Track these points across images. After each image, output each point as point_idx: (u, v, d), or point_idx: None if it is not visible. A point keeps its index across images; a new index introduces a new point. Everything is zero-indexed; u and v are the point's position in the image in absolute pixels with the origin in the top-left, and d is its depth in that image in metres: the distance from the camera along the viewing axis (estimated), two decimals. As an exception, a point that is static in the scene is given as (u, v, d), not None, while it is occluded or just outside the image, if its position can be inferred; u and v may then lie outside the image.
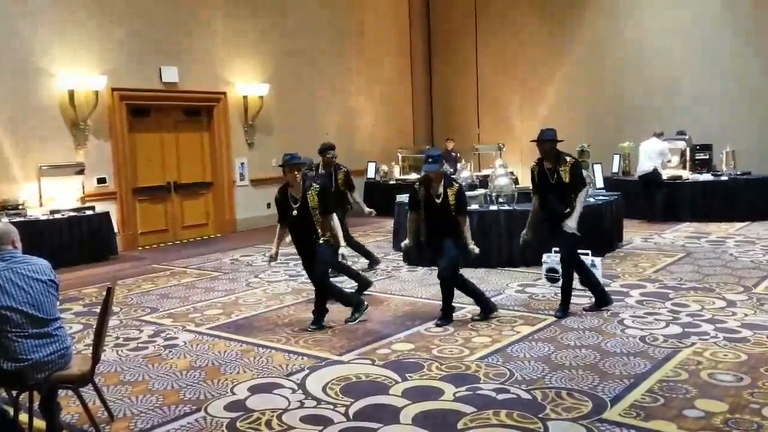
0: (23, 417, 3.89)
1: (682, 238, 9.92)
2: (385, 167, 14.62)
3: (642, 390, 4.28)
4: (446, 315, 5.97)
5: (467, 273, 7.97)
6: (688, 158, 12.13)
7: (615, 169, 12.84)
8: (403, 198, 9.97)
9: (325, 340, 5.60)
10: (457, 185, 5.94)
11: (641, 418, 3.88)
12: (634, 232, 10.41)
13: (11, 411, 3.74)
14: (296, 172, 5.83)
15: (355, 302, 6.20)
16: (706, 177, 11.78)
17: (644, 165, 11.50)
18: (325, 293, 6.02)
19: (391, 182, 14.18)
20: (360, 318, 6.08)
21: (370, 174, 14.76)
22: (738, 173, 11.71)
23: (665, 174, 11.58)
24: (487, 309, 6.05)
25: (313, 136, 13.33)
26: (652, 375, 4.53)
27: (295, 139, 13.20)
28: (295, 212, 5.88)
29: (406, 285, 7.55)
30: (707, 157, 12.30)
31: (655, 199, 11.49)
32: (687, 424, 3.78)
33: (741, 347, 5.01)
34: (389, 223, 10.42)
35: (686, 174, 11.86)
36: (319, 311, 6.02)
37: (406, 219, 9.10)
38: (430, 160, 5.83)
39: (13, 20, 9.51)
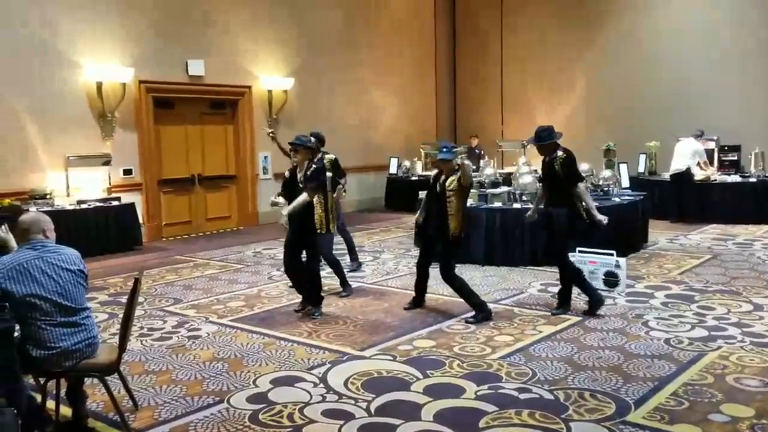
0: (50, 404, 3.95)
1: (708, 240, 9.79)
2: (407, 163, 14.61)
3: (666, 393, 4.24)
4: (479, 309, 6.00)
5: (492, 271, 7.99)
6: (716, 159, 11.95)
7: (641, 168, 12.69)
8: (425, 194, 9.96)
9: (347, 335, 5.62)
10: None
11: (665, 422, 3.84)
12: (660, 233, 10.29)
13: (39, 398, 3.80)
14: (293, 152, 6.21)
15: (318, 299, 6.31)
16: (735, 178, 11.61)
17: (678, 163, 11.34)
18: (315, 279, 6.28)
19: (413, 178, 14.16)
20: (319, 316, 6.17)
21: (392, 170, 14.75)
22: (767, 175, 11.51)
23: (699, 175, 11.41)
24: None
25: (335, 130, 13.38)
26: (677, 378, 4.48)
27: (319, 131, 13.24)
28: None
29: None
30: (736, 158, 12.13)
31: (684, 199, 11.33)
32: (712, 429, 3.74)
33: (768, 352, 4.94)
34: (411, 219, 10.39)
35: (714, 174, 11.68)
36: (313, 296, 6.27)
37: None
38: (444, 149, 6.04)
39: (42, 11, 9.62)
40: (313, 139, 7.61)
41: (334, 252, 7.14)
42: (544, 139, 6.00)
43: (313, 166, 6.16)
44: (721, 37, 13.18)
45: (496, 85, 16.17)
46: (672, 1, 13.84)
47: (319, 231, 6.25)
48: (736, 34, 13.04)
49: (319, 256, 6.56)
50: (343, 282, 7.08)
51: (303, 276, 6.31)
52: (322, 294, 6.39)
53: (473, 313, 5.94)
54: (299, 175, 6.18)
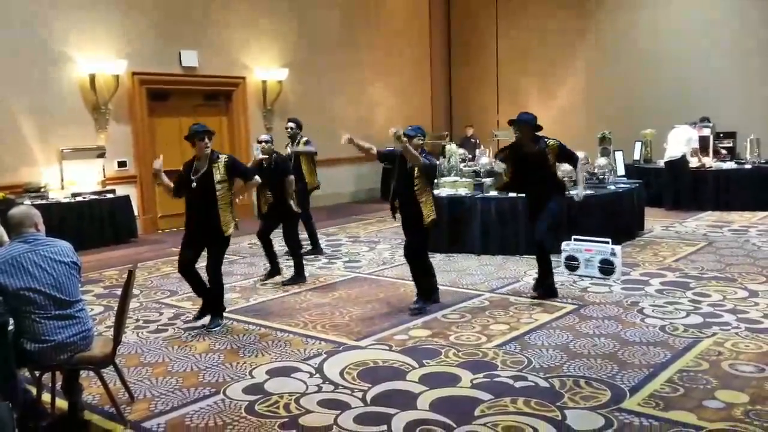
0: (46, 397, 3.94)
1: (703, 227, 9.80)
2: (403, 153, 14.57)
3: (661, 380, 4.25)
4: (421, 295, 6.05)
5: (487, 260, 7.99)
6: (711, 146, 11.92)
7: (636, 156, 12.68)
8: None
9: (342, 326, 5.62)
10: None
11: (660, 408, 3.85)
12: (655, 221, 10.30)
13: (34, 391, 3.80)
14: (200, 142, 5.47)
15: (221, 309, 5.77)
16: (730, 165, 11.61)
17: (672, 151, 11.34)
18: (217, 286, 5.67)
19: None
20: (218, 328, 5.60)
21: (389, 159, 14.72)
22: (762, 161, 11.52)
23: (694, 162, 11.41)
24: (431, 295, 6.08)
25: (331, 120, 13.37)
26: (672, 365, 4.49)
27: (313, 124, 13.18)
28: (194, 184, 5.46)
29: (423, 271, 7.53)
30: (731, 145, 12.13)
31: (679, 187, 11.34)
32: (707, 415, 3.75)
33: (763, 338, 4.94)
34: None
35: (709, 161, 11.69)
36: (212, 307, 5.69)
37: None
38: (409, 127, 5.90)
39: (35, 5, 9.56)
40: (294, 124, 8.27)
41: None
42: (529, 121, 6.01)
43: (222, 159, 5.51)
44: (716, 28, 13.15)
45: (491, 75, 16.10)
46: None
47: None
48: (736, 33, 12.98)
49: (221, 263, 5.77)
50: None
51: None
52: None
53: (416, 300, 5.99)
54: (196, 172, 5.50)
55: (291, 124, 8.49)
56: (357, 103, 14.54)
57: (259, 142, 7.19)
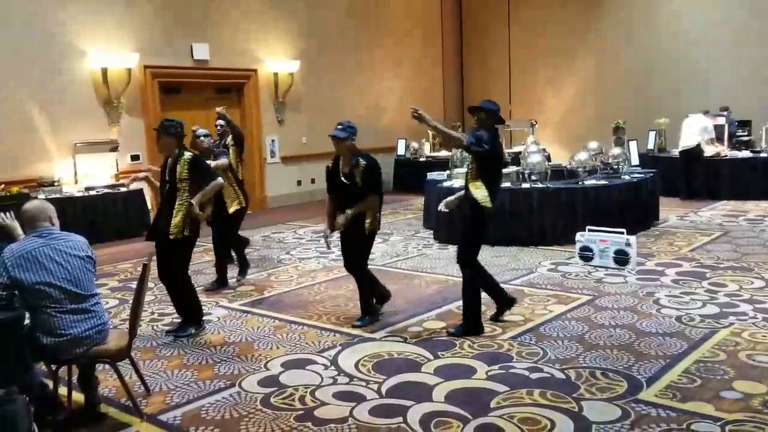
0: (62, 390, 3.97)
1: (719, 217, 9.71)
2: (415, 144, 14.53)
3: (678, 371, 4.21)
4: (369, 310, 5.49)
5: (501, 251, 7.94)
6: (726, 135, 11.78)
7: (650, 146, 12.57)
8: (433, 175, 9.92)
9: (357, 318, 5.60)
10: (365, 163, 5.21)
11: (678, 399, 3.82)
12: (670, 210, 10.21)
13: (51, 384, 3.81)
14: (159, 140, 5.29)
15: (198, 316, 5.45)
16: (745, 154, 11.49)
17: (687, 140, 11.22)
18: (180, 291, 5.35)
19: (422, 159, 14.11)
20: (192, 334, 5.28)
21: (401, 151, 14.68)
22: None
23: (709, 151, 11.29)
24: (381, 298, 5.56)
25: (343, 112, 13.30)
26: (688, 355, 4.45)
27: (325, 116, 13.17)
28: (167, 186, 5.24)
29: (436, 263, 7.52)
30: (746, 134, 12.00)
31: (694, 176, 11.23)
32: (725, 406, 3.71)
33: (781, 328, 4.90)
34: (420, 201, 10.37)
35: (724, 150, 11.56)
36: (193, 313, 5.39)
37: (436, 196, 9.09)
38: (339, 126, 5.24)
39: (47, -2, 9.59)
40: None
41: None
42: (494, 110, 5.10)
43: (186, 156, 5.20)
44: (727, 17, 13.03)
45: (503, 66, 16.00)
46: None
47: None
48: (743, 12, 12.83)
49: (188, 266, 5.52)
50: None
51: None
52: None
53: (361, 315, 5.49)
54: (170, 169, 5.24)
55: (220, 122, 7.39)
56: (367, 91, 14.45)
57: (197, 137, 6.90)
